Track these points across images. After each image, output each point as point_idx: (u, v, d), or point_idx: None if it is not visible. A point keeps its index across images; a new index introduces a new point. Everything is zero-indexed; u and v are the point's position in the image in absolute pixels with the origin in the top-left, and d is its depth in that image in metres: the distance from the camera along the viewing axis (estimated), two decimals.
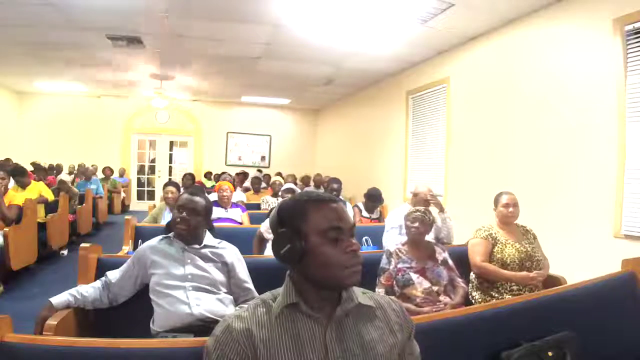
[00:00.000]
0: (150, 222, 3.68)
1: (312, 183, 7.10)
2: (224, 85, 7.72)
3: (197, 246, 1.80)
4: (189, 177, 5.54)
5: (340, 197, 4.73)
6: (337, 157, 8.76)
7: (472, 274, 2.42)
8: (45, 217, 4.59)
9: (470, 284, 2.41)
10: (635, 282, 1.74)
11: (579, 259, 2.82)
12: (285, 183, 5.29)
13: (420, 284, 2.16)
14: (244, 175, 7.49)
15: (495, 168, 3.92)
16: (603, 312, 1.60)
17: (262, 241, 3.07)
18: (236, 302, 1.79)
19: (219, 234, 2.00)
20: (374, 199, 4.26)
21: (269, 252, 2.82)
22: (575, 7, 3.12)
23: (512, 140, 3.71)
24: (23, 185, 4.49)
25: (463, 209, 4.10)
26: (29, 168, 5.85)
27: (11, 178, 4.41)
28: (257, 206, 4.95)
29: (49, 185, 5.21)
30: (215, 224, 2.46)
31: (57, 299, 1.59)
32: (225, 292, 1.76)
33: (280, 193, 4.61)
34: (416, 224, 2.31)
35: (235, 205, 4.12)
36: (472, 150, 4.26)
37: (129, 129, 9.46)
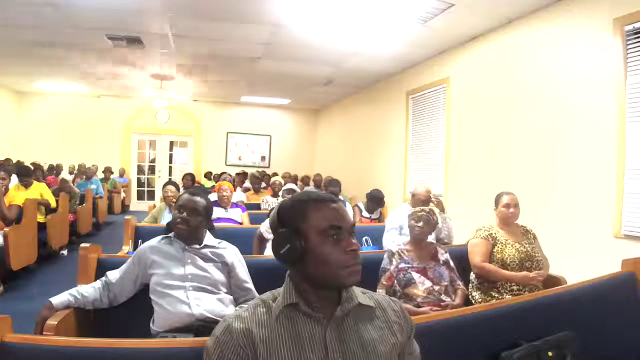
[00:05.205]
0: (150, 222, 3.68)
1: (312, 183, 7.10)
2: (224, 85, 7.71)
3: (197, 246, 1.80)
4: (189, 178, 5.52)
5: (340, 197, 4.72)
6: (337, 157, 8.75)
7: (472, 274, 2.42)
8: (45, 217, 4.59)
9: (470, 284, 2.41)
10: (635, 282, 1.74)
11: (579, 259, 2.82)
12: (285, 183, 5.29)
13: (422, 283, 2.16)
14: (244, 175, 7.48)
15: (495, 168, 3.92)
16: (603, 312, 1.60)
17: (262, 241, 3.07)
18: (236, 302, 1.79)
19: (219, 234, 2.00)
20: (376, 200, 4.26)
21: (269, 252, 2.82)
22: (575, 7, 3.12)
23: (512, 140, 3.71)
24: (26, 185, 4.49)
25: (463, 209, 4.10)
26: None
27: (12, 177, 4.40)
28: (257, 206, 4.96)
29: (48, 185, 5.21)
30: (215, 224, 2.47)
31: (57, 299, 1.59)
32: (225, 292, 1.76)
33: (280, 193, 4.61)
34: (420, 224, 2.30)
35: (235, 205, 4.12)
36: (472, 150, 4.26)
37: (129, 129, 9.46)
